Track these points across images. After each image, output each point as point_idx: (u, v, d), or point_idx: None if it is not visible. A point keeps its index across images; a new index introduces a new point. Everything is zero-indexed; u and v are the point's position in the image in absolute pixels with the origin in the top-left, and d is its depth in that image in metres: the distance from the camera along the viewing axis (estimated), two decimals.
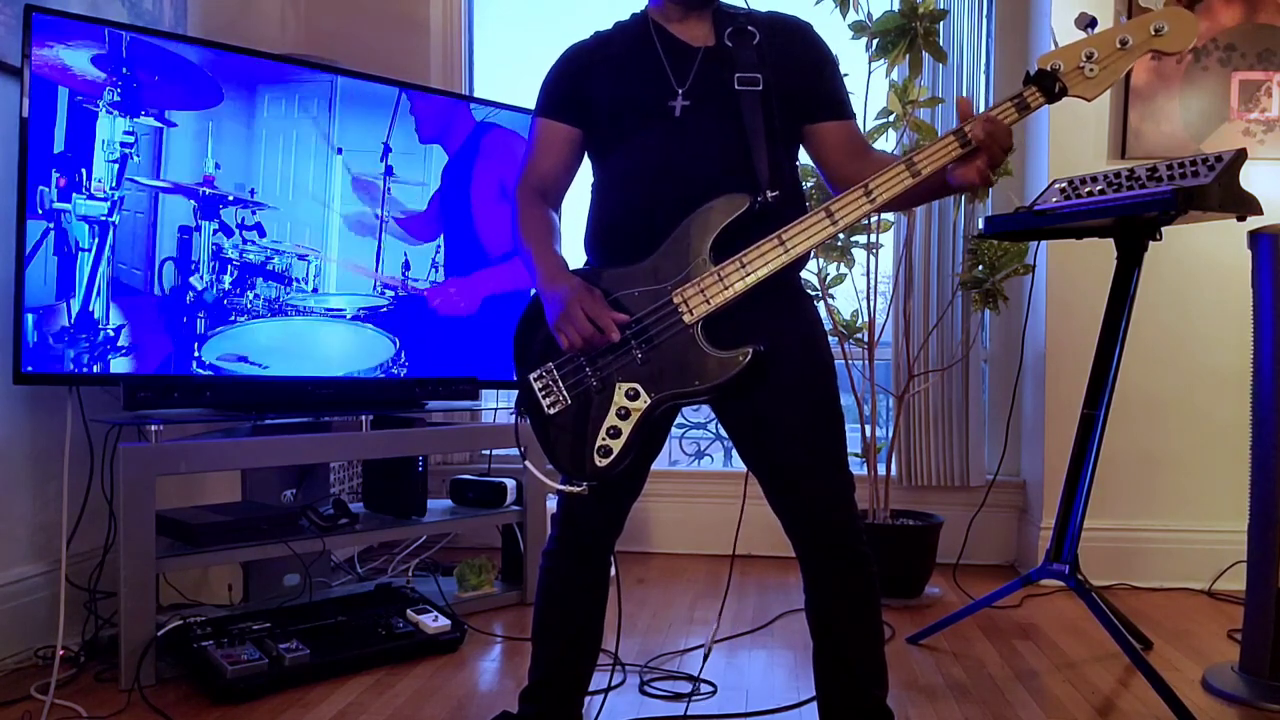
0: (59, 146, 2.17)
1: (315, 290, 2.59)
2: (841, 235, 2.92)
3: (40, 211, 2.15)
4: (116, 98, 2.25)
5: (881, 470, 3.04)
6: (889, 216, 3.09)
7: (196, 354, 2.38)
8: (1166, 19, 1.38)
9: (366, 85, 2.66)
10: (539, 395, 1.55)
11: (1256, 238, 2.15)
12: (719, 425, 2.99)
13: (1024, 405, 3.35)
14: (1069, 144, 3.08)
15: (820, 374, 1.57)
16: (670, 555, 3.49)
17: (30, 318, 2.14)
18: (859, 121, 1.83)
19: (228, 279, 2.44)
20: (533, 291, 1.58)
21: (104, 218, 2.24)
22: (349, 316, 2.64)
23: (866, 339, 3.03)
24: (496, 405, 3.32)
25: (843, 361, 2.90)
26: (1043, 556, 2.34)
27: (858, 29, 2.84)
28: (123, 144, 2.26)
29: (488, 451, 3.38)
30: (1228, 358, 2.98)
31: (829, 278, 3.02)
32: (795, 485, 1.56)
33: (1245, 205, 2.03)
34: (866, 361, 3.07)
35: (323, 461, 2.87)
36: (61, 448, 2.28)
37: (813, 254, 1.91)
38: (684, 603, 2.87)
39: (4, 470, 2.25)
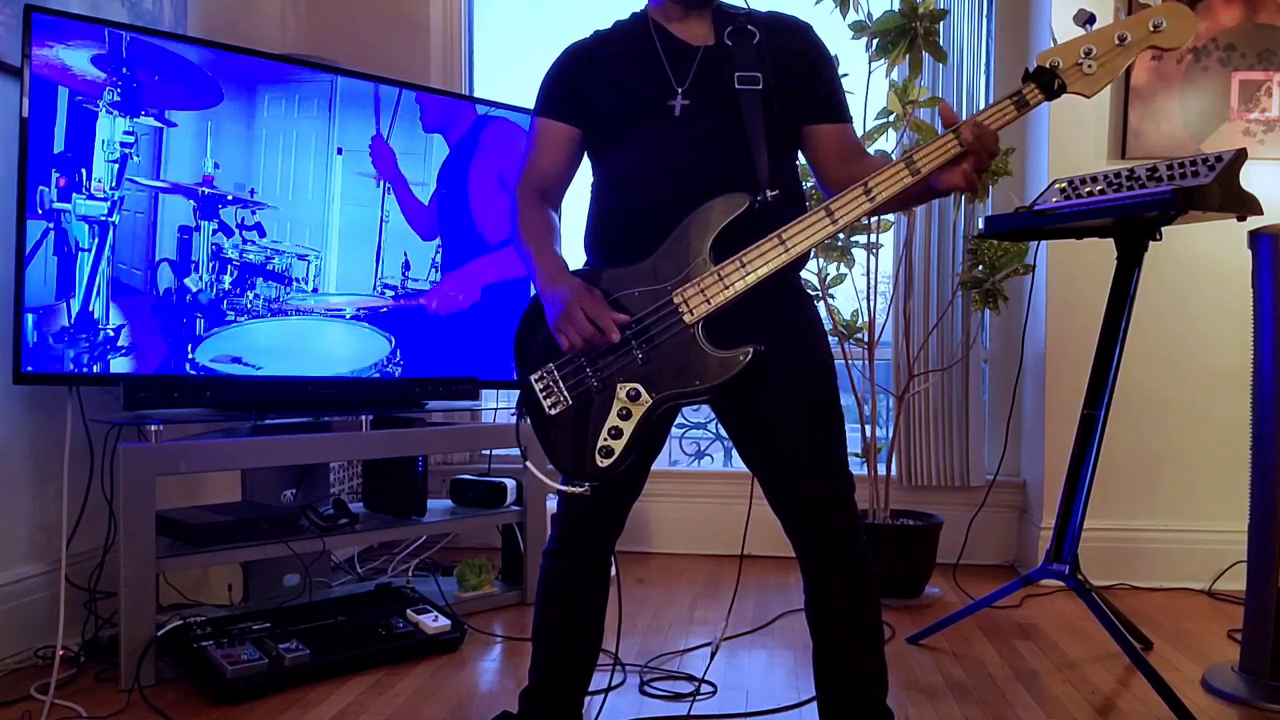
0: (59, 146, 2.17)
1: (315, 290, 2.59)
2: (841, 235, 2.92)
3: (40, 211, 2.15)
4: (116, 98, 2.25)
5: (881, 470, 3.04)
6: (889, 216, 3.08)
7: (190, 355, 2.38)
8: (1165, 15, 1.38)
9: (367, 85, 2.66)
10: (540, 396, 1.55)
11: (1256, 238, 2.15)
12: (719, 425, 3.00)
13: (1024, 405, 3.35)
14: (1069, 144, 3.08)
15: (820, 374, 1.57)
16: (670, 555, 3.49)
17: (30, 318, 2.14)
18: (859, 121, 1.83)
19: (228, 279, 2.44)
20: (533, 292, 1.58)
21: (104, 218, 2.24)
22: (349, 316, 2.64)
23: (866, 339, 3.03)
24: (496, 405, 3.32)
25: (843, 361, 2.90)
26: (1043, 556, 2.33)
27: (858, 29, 2.84)
28: (122, 144, 2.26)
29: (488, 451, 3.38)
30: (1228, 358, 2.98)
31: (829, 278, 3.02)
32: (795, 485, 1.56)
33: (1245, 205, 2.03)
34: (866, 361, 3.07)
35: (323, 461, 2.87)
36: (61, 448, 2.27)
37: (813, 254, 1.91)
38: (684, 603, 2.87)
39: (4, 470, 2.25)
